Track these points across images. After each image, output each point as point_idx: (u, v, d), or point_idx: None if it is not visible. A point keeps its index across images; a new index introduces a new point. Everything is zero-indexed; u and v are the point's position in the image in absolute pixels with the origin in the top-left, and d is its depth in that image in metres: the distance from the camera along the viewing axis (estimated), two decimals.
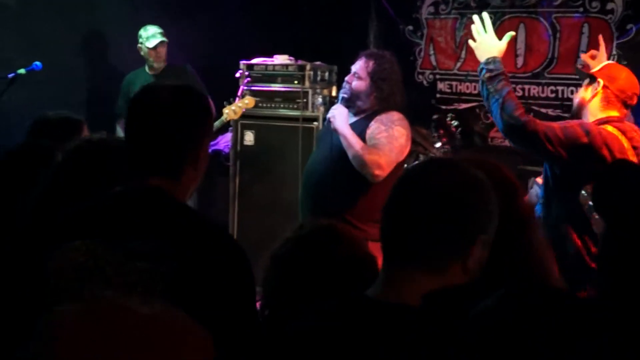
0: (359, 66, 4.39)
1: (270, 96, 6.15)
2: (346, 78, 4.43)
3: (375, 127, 4.25)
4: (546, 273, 2.03)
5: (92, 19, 6.19)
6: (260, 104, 6.14)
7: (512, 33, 3.90)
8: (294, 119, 5.92)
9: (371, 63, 4.37)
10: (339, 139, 4.25)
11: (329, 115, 4.35)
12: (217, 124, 5.86)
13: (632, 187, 1.87)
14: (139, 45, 6.19)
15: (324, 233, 2.21)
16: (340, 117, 4.26)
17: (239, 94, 6.18)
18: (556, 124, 3.57)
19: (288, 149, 5.89)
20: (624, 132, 3.50)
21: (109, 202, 2.08)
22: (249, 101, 5.90)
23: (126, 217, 2.00)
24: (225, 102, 5.94)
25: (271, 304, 2.19)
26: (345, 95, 4.35)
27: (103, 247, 1.71)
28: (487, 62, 3.59)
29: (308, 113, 5.92)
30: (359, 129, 4.25)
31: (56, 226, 2.09)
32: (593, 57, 3.81)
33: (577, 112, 3.76)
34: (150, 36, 6.13)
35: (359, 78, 4.34)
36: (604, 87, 3.63)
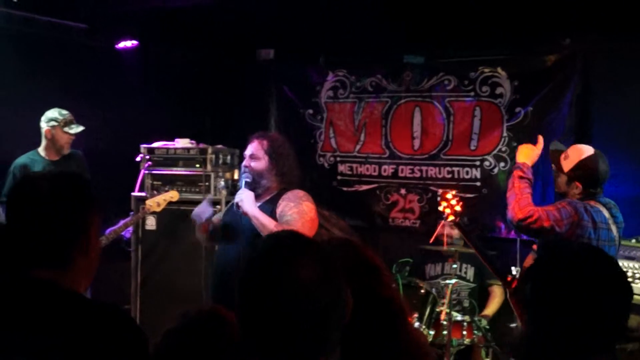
0: (254, 148, 4.40)
1: (171, 180, 6.09)
2: (243, 163, 4.42)
3: (284, 205, 4.24)
4: (419, 354, 2.07)
5: None
6: (161, 188, 6.08)
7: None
8: (197, 202, 5.85)
9: (265, 142, 4.40)
10: (249, 224, 4.20)
11: (236, 200, 4.28)
12: (139, 215, 5.75)
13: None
14: (49, 127, 5.67)
15: (207, 319, 2.18)
16: (248, 200, 4.23)
17: (139, 178, 6.12)
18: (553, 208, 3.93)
19: (191, 234, 5.81)
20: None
21: None
22: (173, 195, 5.73)
23: (9, 310, 1.92)
24: (147, 194, 5.84)
25: None
26: (248, 180, 4.32)
27: None
28: (523, 165, 4.16)
29: (210, 196, 5.85)
30: (268, 210, 4.23)
31: None
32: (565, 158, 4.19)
33: None
34: (70, 121, 5.71)
35: (257, 158, 4.35)
36: None
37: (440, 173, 6.63)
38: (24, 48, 6.11)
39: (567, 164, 4.02)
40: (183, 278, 5.80)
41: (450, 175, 6.56)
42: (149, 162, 6.13)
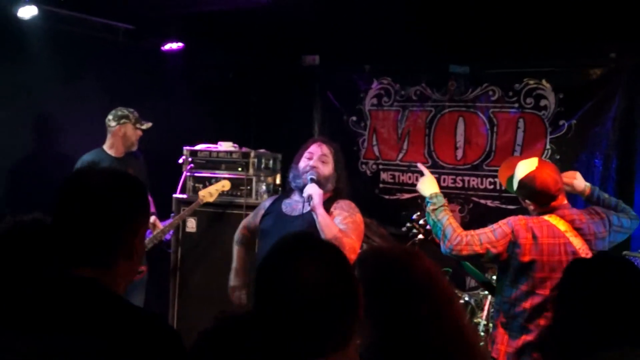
0: (325, 150, 4.38)
1: (213, 183, 6.12)
2: (311, 163, 4.33)
3: (338, 213, 4.24)
4: (471, 345, 2.23)
5: (36, 104, 6.09)
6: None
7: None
8: (238, 206, 5.89)
9: (332, 149, 4.41)
10: (299, 227, 4.15)
11: (307, 192, 4.19)
12: (193, 206, 5.80)
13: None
14: (120, 125, 5.70)
15: (243, 319, 2.20)
16: (319, 197, 4.17)
17: (181, 180, 6.15)
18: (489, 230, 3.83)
19: (231, 237, 5.84)
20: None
21: (34, 292, 1.93)
22: (224, 184, 5.83)
23: (54, 309, 1.87)
24: (200, 185, 5.98)
25: None
26: (314, 177, 4.27)
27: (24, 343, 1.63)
28: (431, 197, 4.04)
29: (252, 200, 5.88)
30: None
31: None
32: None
33: None
34: (139, 118, 5.77)
35: (326, 162, 4.35)
36: None
37: (482, 184, 6.59)
38: (69, 47, 6.19)
39: (515, 184, 3.94)
40: (223, 280, 5.80)
41: (492, 186, 6.52)
42: (191, 165, 6.15)
